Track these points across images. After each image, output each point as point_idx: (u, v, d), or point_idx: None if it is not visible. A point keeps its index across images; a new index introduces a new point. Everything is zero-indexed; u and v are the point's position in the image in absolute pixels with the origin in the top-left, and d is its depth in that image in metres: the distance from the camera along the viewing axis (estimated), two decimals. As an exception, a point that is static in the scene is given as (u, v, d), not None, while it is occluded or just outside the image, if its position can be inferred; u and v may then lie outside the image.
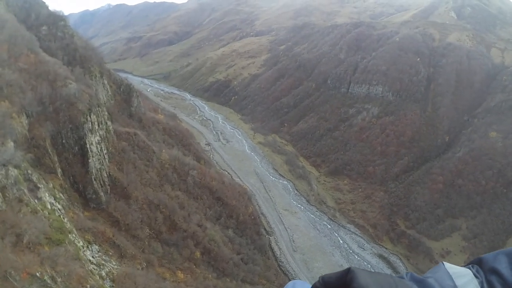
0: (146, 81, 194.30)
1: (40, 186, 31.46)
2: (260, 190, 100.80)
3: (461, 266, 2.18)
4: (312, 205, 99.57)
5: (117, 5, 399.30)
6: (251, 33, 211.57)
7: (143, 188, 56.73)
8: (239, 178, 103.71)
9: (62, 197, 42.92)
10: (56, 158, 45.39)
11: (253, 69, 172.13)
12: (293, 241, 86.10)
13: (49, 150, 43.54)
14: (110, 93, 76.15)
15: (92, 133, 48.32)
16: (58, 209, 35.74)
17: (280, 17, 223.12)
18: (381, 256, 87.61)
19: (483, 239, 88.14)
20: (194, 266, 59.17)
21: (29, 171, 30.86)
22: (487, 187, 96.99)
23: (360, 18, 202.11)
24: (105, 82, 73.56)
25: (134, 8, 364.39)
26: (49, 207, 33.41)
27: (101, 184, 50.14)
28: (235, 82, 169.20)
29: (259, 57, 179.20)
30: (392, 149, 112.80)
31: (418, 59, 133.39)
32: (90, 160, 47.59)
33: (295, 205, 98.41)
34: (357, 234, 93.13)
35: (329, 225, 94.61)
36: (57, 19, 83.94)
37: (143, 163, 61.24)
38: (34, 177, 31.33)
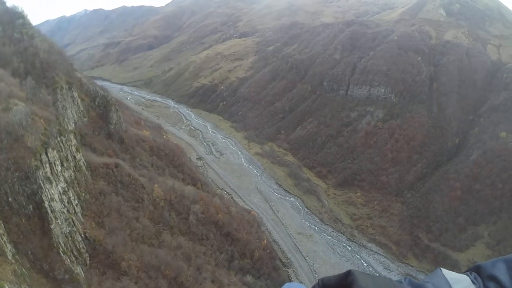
0: (126, 88, 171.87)
1: None
2: (267, 211, 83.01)
3: (459, 273, 2.10)
4: (327, 225, 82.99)
5: (94, 10, 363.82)
6: (235, 35, 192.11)
7: (135, 246, 37.73)
8: (241, 198, 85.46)
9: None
10: (1, 230, 26.06)
11: (240, 72, 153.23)
12: (315, 271, 69.21)
13: (-18, 220, 24.26)
14: (82, 108, 55.60)
15: (51, 182, 28.99)
16: None
17: (263, 18, 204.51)
18: (408, 276, 73.04)
19: (506, 245, 77.99)
20: None
21: None
22: (504, 190, 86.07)
23: (345, 17, 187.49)
24: (75, 95, 52.88)
25: (111, 13, 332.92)
26: None
27: (74, 256, 30.95)
28: (222, 87, 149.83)
29: (246, 59, 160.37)
30: (404, 155, 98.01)
31: (419, 58, 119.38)
32: (52, 226, 28.30)
33: (308, 226, 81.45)
34: (380, 254, 78.83)
35: (349, 246, 78.85)
36: (14, 17, 63.29)
37: (130, 207, 42.03)
38: None
